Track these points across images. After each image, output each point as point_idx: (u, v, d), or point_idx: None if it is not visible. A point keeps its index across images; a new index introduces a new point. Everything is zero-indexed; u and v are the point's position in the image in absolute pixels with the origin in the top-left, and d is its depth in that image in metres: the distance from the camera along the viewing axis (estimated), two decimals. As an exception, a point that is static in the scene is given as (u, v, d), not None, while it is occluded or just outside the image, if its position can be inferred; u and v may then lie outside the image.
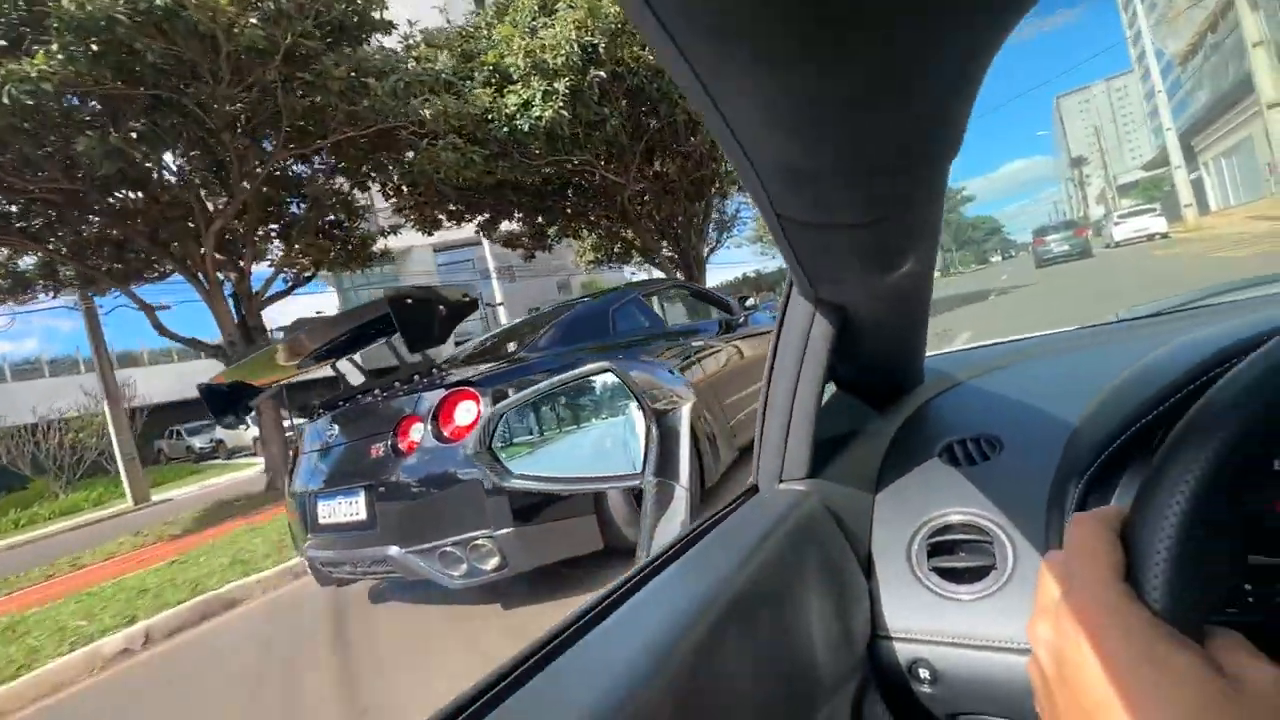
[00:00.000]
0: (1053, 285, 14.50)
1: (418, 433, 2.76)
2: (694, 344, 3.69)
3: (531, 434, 1.07)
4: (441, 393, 2.75)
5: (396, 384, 3.02)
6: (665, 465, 0.95)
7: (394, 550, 2.72)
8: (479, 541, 2.61)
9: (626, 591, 0.59)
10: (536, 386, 0.99)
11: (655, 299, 4.59)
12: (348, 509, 2.88)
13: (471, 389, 2.71)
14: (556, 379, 0.99)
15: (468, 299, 3.37)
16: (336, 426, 3.15)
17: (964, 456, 0.82)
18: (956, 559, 0.73)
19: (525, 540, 2.62)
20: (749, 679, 0.53)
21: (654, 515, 0.85)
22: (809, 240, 0.53)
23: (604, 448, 1.02)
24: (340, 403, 3.24)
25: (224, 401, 3.47)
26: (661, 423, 0.96)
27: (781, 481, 0.87)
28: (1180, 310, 1.17)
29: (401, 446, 2.79)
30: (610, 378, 0.97)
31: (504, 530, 2.59)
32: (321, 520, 3.05)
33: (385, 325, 2.96)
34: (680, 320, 5.14)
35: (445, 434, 2.69)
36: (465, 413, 2.68)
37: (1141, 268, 13.13)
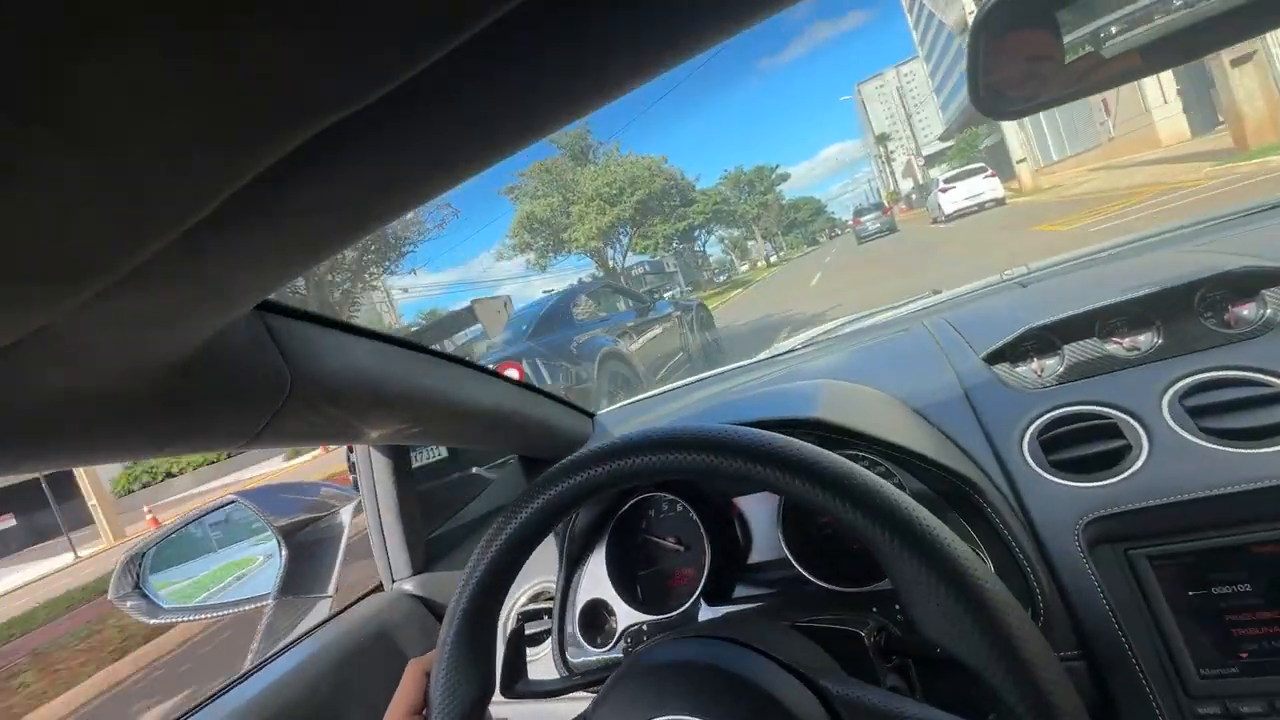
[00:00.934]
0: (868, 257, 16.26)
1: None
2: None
3: (180, 564, 1.10)
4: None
5: None
6: (302, 580, 1.03)
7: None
8: None
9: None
10: (172, 524, 1.03)
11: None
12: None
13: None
14: (191, 514, 1.03)
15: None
16: None
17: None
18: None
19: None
20: None
21: (266, 636, 0.93)
22: None
23: (253, 571, 1.08)
24: None
25: None
26: (298, 538, 1.04)
27: (394, 580, 0.98)
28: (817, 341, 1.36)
29: None
30: (238, 509, 1.02)
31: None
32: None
33: None
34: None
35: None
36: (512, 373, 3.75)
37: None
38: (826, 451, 0.40)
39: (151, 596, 1.06)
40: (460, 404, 0.80)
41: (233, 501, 1.01)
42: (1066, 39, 0.42)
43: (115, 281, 0.28)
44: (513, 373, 3.86)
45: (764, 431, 0.41)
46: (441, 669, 0.46)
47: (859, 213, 28.73)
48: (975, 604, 0.33)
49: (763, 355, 1.40)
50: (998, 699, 0.33)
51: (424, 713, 0.47)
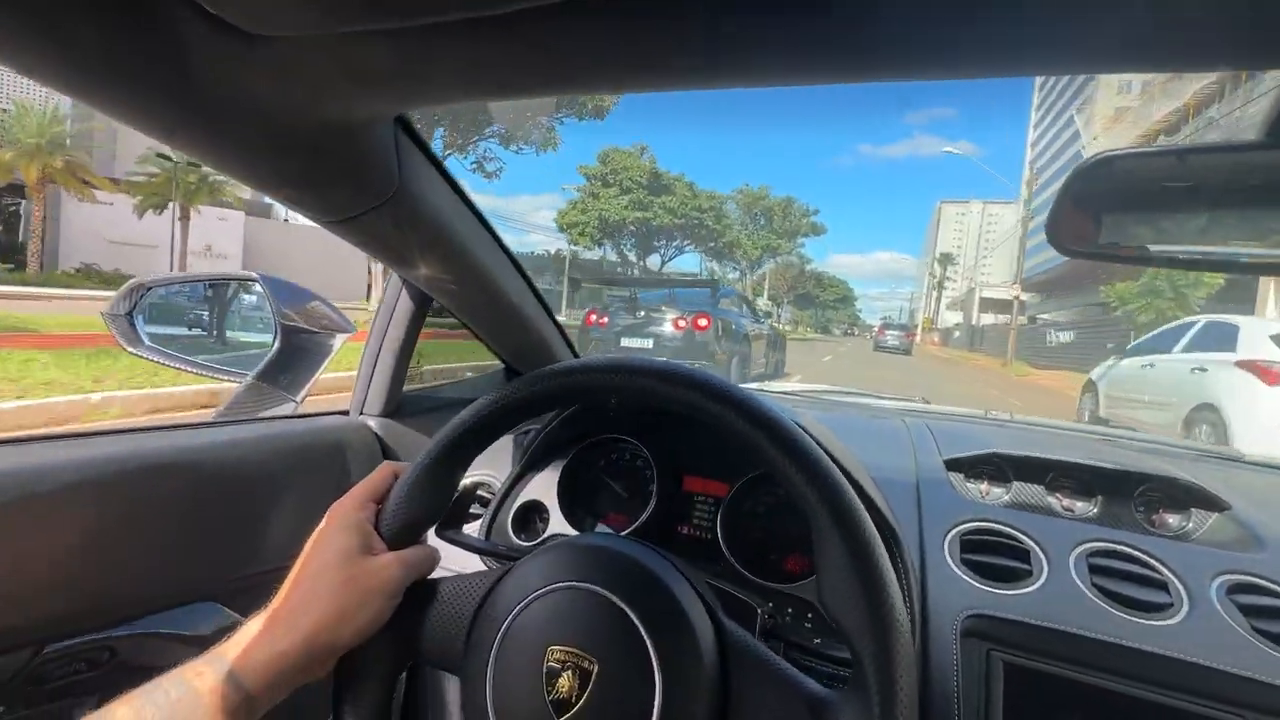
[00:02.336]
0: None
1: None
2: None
3: (179, 318, 1.15)
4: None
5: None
6: (280, 376, 1.08)
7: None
8: None
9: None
10: (193, 274, 1.08)
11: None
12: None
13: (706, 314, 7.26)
14: (215, 273, 1.08)
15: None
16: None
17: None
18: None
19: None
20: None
21: (230, 405, 0.98)
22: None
23: (241, 344, 1.13)
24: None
25: None
26: (297, 339, 1.09)
27: (362, 414, 1.04)
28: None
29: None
30: (258, 288, 1.08)
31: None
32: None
33: None
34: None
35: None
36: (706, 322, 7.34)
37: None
38: (779, 406, 0.45)
39: (138, 327, 1.11)
40: (497, 286, 0.87)
41: (253, 279, 1.06)
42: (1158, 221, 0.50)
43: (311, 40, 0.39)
44: (704, 322, 7.52)
45: (746, 388, 0.47)
46: (413, 476, 0.51)
47: (886, 324, 31.43)
48: (873, 583, 0.41)
49: (755, 386, 1.49)
50: (858, 666, 0.41)
51: (380, 505, 0.52)
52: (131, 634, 0.66)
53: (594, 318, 8.27)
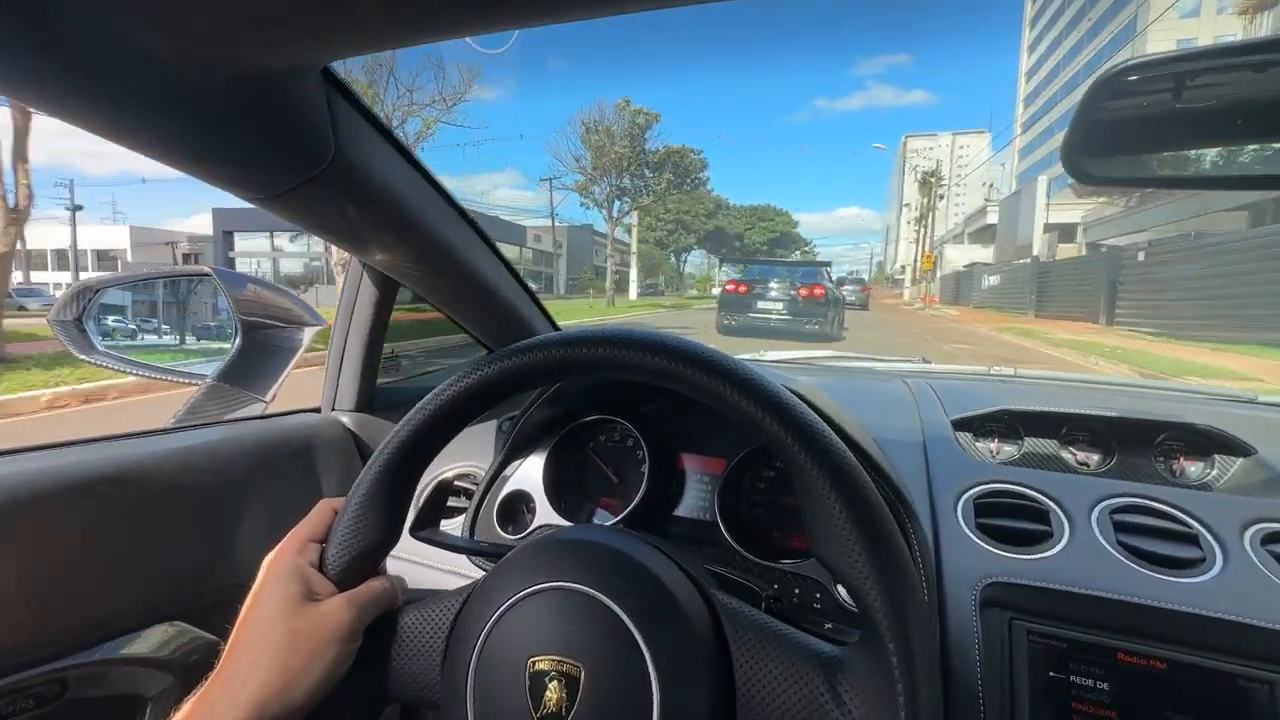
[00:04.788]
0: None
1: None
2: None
3: (129, 319, 1.08)
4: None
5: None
6: (244, 376, 1.02)
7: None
8: None
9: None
10: (139, 272, 1.00)
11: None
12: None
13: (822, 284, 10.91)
14: (163, 269, 1.01)
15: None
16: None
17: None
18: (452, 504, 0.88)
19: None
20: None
21: (190, 410, 0.92)
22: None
23: (196, 344, 1.06)
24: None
25: None
26: (256, 336, 1.03)
27: (334, 410, 0.99)
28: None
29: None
30: (212, 283, 1.01)
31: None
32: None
33: None
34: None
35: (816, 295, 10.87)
36: (821, 290, 10.96)
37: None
38: (759, 370, 0.41)
39: (89, 333, 1.04)
40: (465, 264, 0.80)
41: (206, 274, 0.99)
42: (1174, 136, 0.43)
43: None
44: (819, 291, 10.97)
45: (713, 347, 0.42)
46: (352, 507, 0.46)
47: (842, 280, 30.80)
48: (865, 519, 0.36)
49: (747, 356, 1.43)
50: (866, 616, 0.36)
51: (323, 544, 0.46)
52: (86, 662, 0.61)
53: (732, 287, 11.44)
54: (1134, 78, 0.43)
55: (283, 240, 28.95)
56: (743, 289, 11.17)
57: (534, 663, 0.38)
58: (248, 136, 0.48)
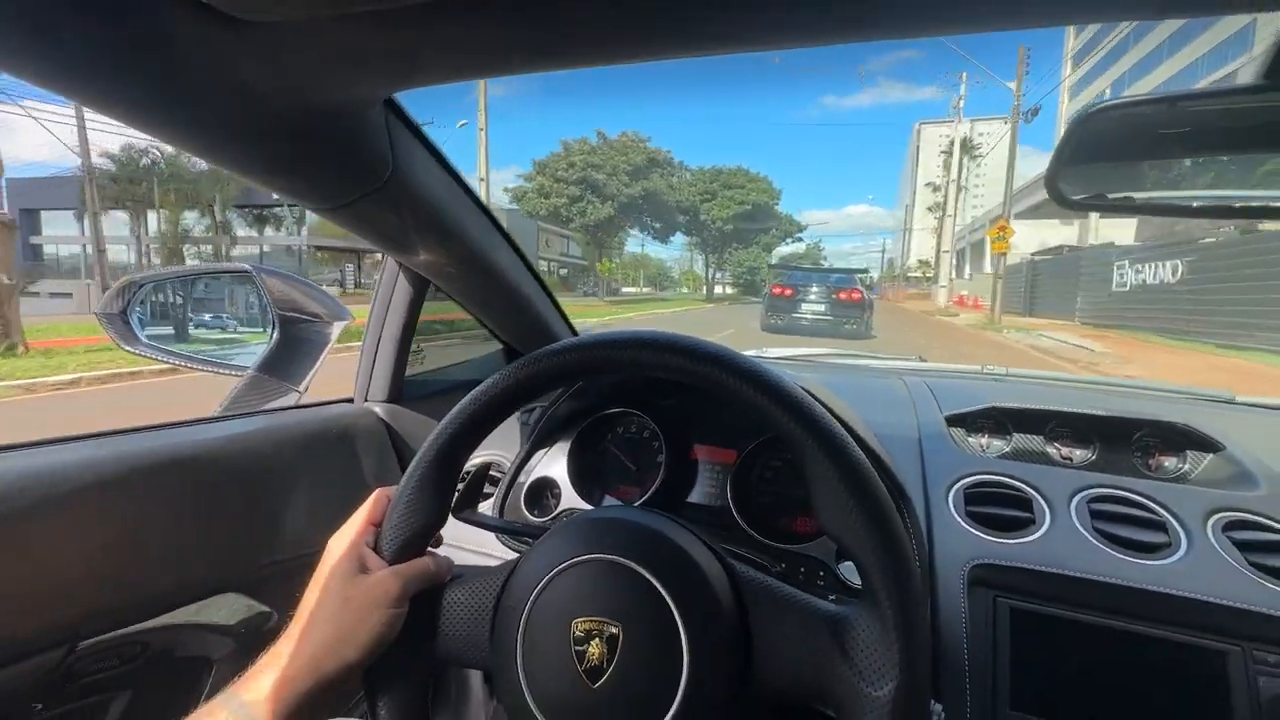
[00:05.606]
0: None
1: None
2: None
3: (175, 314, 1.13)
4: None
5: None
6: (281, 367, 1.08)
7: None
8: None
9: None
10: (185, 268, 1.06)
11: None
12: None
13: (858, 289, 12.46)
14: (204, 266, 1.07)
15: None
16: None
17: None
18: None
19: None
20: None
21: (233, 400, 0.98)
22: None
23: (236, 338, 1.12)
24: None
25: None
26: (291, 329, 1.09)
27: (367, 400, 1.05)
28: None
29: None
30: (254, 276, 1.06)
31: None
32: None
33: None
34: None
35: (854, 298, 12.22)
36: (858, 294, 12.38)
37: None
38: (776, 370, 0.46)
39: (133, 325, 1.10)
40: (494, 268, 0.86)
41: (248, 271, 1.05)
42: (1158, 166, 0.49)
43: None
44: (858, 295, 12.74)
45: (722, 346, 0.48)
46: (406, 493, 0.52)
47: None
48: (863, 495, 0.42)
49: (750, 352, 1.49)
50: (865, 576, 0.42)
51: (378, 527, 0.53)
52: (161, 626, 0.67)
53: (779, 290, 12.71)
54: (1114, 114, 0.49)
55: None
56: (789, 292, 12.51)
57: (577, 624, 0.44)
58: (320, 155, 0.54)
